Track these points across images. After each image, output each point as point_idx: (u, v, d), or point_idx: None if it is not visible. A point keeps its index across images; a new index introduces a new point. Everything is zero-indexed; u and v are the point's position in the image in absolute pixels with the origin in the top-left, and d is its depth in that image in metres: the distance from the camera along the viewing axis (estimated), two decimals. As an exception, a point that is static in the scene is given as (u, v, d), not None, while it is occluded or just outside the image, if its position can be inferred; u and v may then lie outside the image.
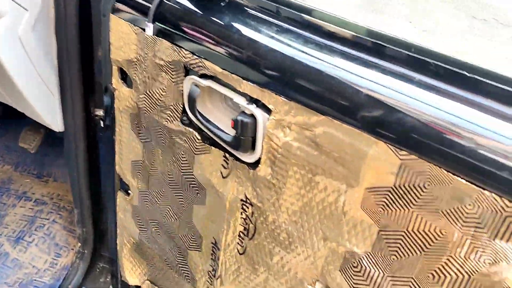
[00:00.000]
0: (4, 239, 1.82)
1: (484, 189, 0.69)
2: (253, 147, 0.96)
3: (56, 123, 1.51)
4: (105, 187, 1.51)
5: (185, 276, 1.31)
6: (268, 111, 0.91)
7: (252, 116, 0.92)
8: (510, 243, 0.68)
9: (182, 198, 1.18)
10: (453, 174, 0.71)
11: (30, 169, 2.10)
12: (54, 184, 2.05)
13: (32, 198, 1.99)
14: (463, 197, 0.71)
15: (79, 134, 1.46)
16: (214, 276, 1.19)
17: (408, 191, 0.77)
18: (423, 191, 0.75)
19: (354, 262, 0.88)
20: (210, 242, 1.16)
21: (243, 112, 0.93)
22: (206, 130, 1.02)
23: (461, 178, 0.70)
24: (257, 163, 0.97)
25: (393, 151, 0.76)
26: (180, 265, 1.30)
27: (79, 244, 1.74)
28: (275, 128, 0.90)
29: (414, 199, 0.76)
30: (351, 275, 0.89)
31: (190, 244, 1.23)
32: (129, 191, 1.36)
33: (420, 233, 0.78)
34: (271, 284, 1.06)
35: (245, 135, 0.93)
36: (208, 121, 1.00)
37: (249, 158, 0.97)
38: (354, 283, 0.89)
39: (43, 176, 2.08)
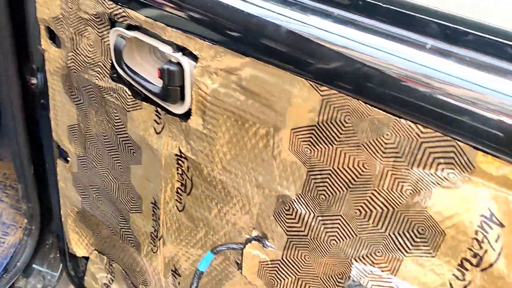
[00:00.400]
0: None
1: (400, 117, 0.69)
2: (182, 97, 0.94)
3: None
4: (47, 158, 1.46)
5: (130, 241, 1.29)
6: (195, 59, 0.89)
7: (179, 64, 0.90)
8: (426, 170, 0.69)
9: (119, 159, 1.16)
10: (371, 106, 0.71)
11: (-27, 149, 2.03)
12: (-1, 163, 1.99)
13: (-23, 178, 1.92)
14: (381, 128, 0.71)
15: (16, 104, 1.40)
16: (157, 237, 1.18)
17: (330, 128, 0.76)
18: (344, 126, 0.75)
19: (286, 206, 0.87)
20: (150, 202, 1.14)
21: (170, 61, 0.91)
22: (135, 84, 1.00)
23: (379, 109, 0.70)
24: (188, 114, 0.95)
25: (314, 88, 0.75)
26: (124, 230, 1.28)
27: (26, 221, 1.69)
28: (202, 76, 0.88)
29: (337, 135, 0.76)
30: (284, 219, 0.89)
31: (131, 206, 1.21)
32: (68, 158, 1.32)
33: (345, 169, 0.78)
34: (211, 239, 1.05)
35: (172, 85, 0.91)
36: (136, 74, 0.98)
37: (180, 109, 0.95)
38: (287, 227, 0.89)
39: (-12, 155, 2.01)
